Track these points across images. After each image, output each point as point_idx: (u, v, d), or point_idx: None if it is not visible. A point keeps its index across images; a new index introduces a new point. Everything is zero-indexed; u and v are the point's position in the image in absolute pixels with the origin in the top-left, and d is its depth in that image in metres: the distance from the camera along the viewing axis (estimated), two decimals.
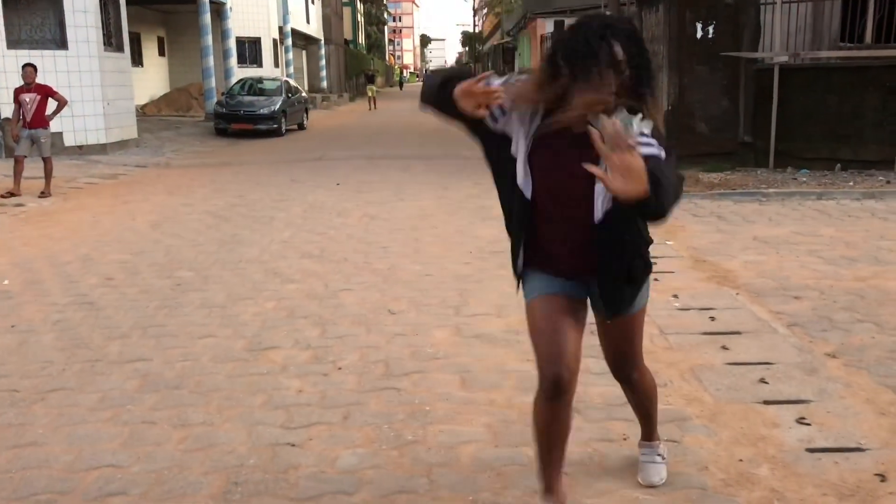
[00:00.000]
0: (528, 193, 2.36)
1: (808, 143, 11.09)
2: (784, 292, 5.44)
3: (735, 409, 3.56)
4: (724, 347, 4.35)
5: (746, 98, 11.32)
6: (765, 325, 4.75)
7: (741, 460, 3.10)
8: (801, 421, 3.43)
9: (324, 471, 3.08)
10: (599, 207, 2.29)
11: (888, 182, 10.03)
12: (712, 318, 4.86)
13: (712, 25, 11.25)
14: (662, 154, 2.14)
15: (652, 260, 2.57)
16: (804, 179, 10.43)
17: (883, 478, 2.95)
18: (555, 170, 2.31)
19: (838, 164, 10.97)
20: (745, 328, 4.68)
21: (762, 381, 3.88)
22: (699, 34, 11.30)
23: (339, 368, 4.16)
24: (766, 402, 3.63)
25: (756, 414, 3.51)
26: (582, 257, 2.43)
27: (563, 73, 2.17)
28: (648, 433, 3.00)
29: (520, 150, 2.33)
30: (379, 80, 52.05)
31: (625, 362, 2.75)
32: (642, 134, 2.10)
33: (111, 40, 15.68)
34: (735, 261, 6.37)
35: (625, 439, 3.25)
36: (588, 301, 2.57)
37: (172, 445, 3.32)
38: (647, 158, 2.01)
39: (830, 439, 3.27)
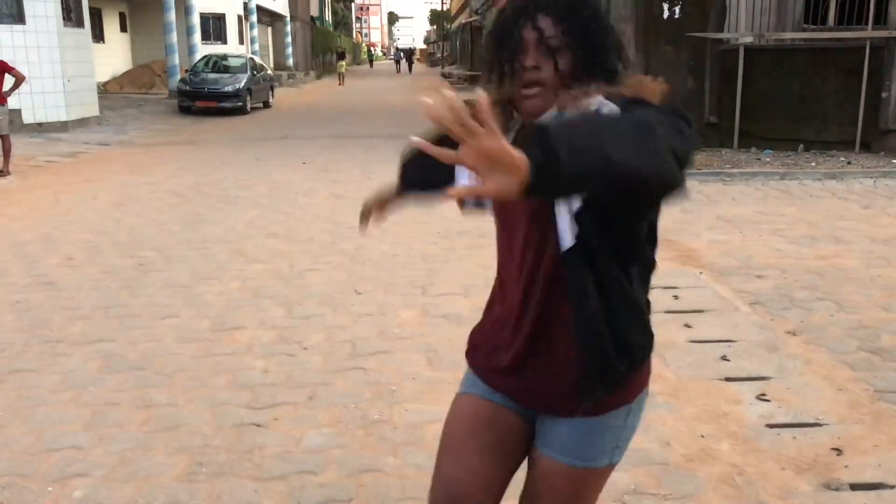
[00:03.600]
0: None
1: (771, 124, 11.22)
2: (747, 271, 5.51)
3: (697, 386, 3.61)
4: (688, 325, 4.40)
5: (712, 78, 11.41)
6: (727, 303, 4.82)
7: (703, 436, 3.15)
8: (761, 397, 3.49)
9: (289, 451, 3.08)
10: (566, 229, 1.47)
11: (849, 163, 10.19)
12: (676, 297, 4.91)
13: (679, 6, 11.30)
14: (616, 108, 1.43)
15: None
16: (767, 160, 10.56)
17: (839, 451, 3.02)
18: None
19: (801, 145, 11.12)
20: (707, 306, 4.74)
21: (724, 358, 3.94)
22: (666, 14, 11.34)
23: (305, 349, 4.15)
24: (728, 379, 3.69)
25: (718, 391, 3.57)
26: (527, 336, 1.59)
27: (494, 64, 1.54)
28: None
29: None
30: (347, 57, 52.36)
31: None
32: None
33: (70, 15, 15.31)
34: (699, 240, 6.44)
35: None
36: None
37: (136, 426, 3.29)
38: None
39: (790, 415, 3.34)
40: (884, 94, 10.74)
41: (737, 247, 6.20)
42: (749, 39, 11.37)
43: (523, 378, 1.61)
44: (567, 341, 1.54)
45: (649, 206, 1.50)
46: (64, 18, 14.92)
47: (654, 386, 3.65)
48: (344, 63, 40.56)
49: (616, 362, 1.54)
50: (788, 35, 11.54)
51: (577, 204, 1.45)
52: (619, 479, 2.84)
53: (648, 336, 1.63)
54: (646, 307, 1.64)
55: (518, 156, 1.14)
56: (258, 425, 3.29)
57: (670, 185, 1.30)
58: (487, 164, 1.15)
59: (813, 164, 10.23)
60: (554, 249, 1.50)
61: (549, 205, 1.47)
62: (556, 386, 1.57)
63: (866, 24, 10.89)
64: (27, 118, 14.33)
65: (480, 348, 1.72)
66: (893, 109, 10.75)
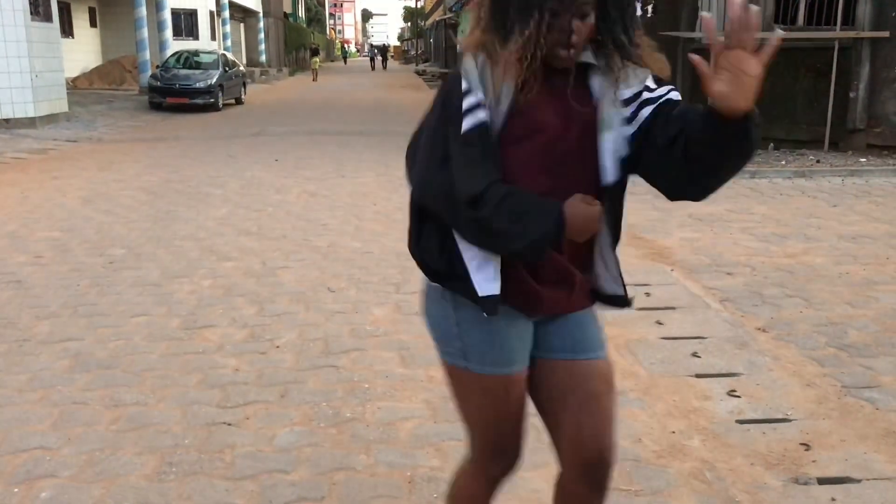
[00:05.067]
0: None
1: None
2: (717, 268, 5.57)
3: (668, 383, 3.64)
4: (659, 322, 4.43)
5: (684, 78, 11.49)
6: (698, 300, 4.86)
7: (674, 432, 3.18)
8: (731, 393, 3.53)
9: (261, 449, 3.06)
10: (610, 163, 1.73)
11: (818, 161, 10.33)
12: (648, 294, 4.94)
13: (651, 5, 11.38)
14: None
15: None
16: None
17: (807, 447, 3.06)
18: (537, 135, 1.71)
19: (771, 144, 11.24)
20: (679, 304, 4.78)
21: (695, 354, 3.97)
22: (638, 14, 11.40)
23: (277, 347, 4.12)
24: (699, 376, 3.72)
25: (688, 387, 3.59)
26: (577, 259, 1.81)
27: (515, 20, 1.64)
28: None
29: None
30: (321, 54, 52.58)
31: (609, 441, 1.86)
32: (659, 81, 1.73)
33: (38, 9, 15.07)
34: (671, 238, 6.49)
35: None
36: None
37: (104, 426, 3.24)
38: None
39: (759, 411, 3.37)
40: (851, 94, 10.90)
41: (708, 244, 6.25)
42: (721, 39, 11.46)
43: (563, 290, 1.82)
44: (591, 253, 1.82)
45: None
46: (32, 13, 14.69)
47: (625, 382, 3.68)
48: (318, 59, 41.46)
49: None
50: (759, 35, 11.66)
51: (624, 151, 1.71)
52: None
53: None
54: None
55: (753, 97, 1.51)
56: (229, 424, 3.26)
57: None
58: (736, 73, 1.51)
59: (783, 162, 10.35)
60: (593, 185, 1.73)
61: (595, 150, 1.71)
62: (584, 289, 1.84)
63: (835, 24, 11.03)
64: None
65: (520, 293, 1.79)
66: (861, 109, 10.91)
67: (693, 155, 1.59)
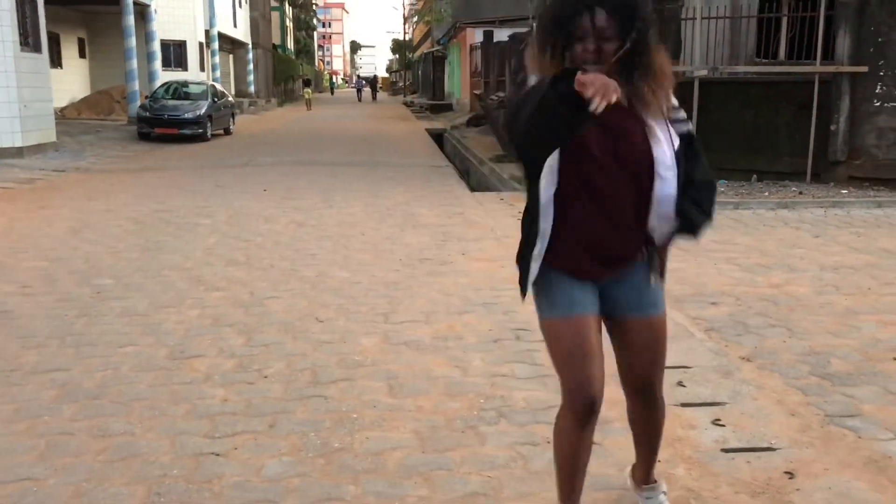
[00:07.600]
0: (551, 188, 2.27)
1: (726, 155, 11.48)
2: (702, 298, 5.63)
3: None
4: None
5: None
6: (683, 330, 4.91)
7: (659, 461, 3.19)
8: (716, 422, 3.56)
9: (249, 480, 3.06)
10: (668, 158, 2.26)
11: (800, 193, 10.47)
12: None
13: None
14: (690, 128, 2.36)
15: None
16: (722, 190, 10.78)
17: (791, 475, 3.09)
18: (590, 150, 2.24)
19: (754, 175, 11.39)
20: None
21: (680, 384, 4.01)
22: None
23: (265, 377, 4.13)
24: (684, 405, 3.76)
25: (674, 416, 3.62)
26: (628, 241, 2.34)
27: (550, 45, 2.21)
28: (648, 472, 2.76)
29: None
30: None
31: (655, 374, 2.53)
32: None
33: (28, 40, 15.16)
34: None
35: (548, 442, 3.32)
36: (599, 309, 2.44)
37: (92, 457, 3.24)
38: (689, 137, 2.32)
39: (743, 440, 3.41)
40: (832, 127, 11.08)
41: (692, 275, 6.32)
42: (703, 72, 11.66)
43: (624, 261, 2.38)
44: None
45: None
46: (21, 44, 14.77)
47: (611, 412, 3.69)
48: (310, 90, 43.52)
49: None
50: (741, 68, 11.87)
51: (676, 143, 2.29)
52: None
53: None
54: None
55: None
56: (217, 454, 3.26)
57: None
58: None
59: (766, 193, 10.48)
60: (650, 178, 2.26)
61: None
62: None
63: (815, 59, 11.24)
64: None
65: (584, 261, 2.34)
66: (842, 142, 11.09)
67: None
